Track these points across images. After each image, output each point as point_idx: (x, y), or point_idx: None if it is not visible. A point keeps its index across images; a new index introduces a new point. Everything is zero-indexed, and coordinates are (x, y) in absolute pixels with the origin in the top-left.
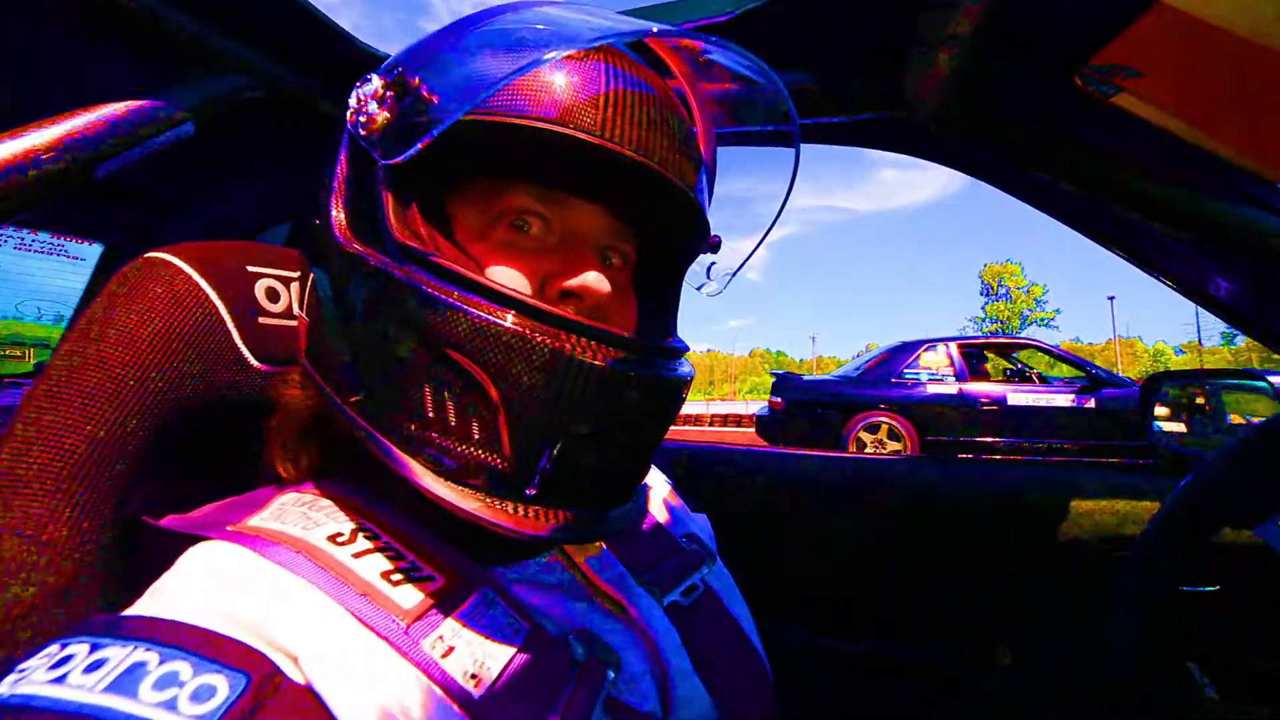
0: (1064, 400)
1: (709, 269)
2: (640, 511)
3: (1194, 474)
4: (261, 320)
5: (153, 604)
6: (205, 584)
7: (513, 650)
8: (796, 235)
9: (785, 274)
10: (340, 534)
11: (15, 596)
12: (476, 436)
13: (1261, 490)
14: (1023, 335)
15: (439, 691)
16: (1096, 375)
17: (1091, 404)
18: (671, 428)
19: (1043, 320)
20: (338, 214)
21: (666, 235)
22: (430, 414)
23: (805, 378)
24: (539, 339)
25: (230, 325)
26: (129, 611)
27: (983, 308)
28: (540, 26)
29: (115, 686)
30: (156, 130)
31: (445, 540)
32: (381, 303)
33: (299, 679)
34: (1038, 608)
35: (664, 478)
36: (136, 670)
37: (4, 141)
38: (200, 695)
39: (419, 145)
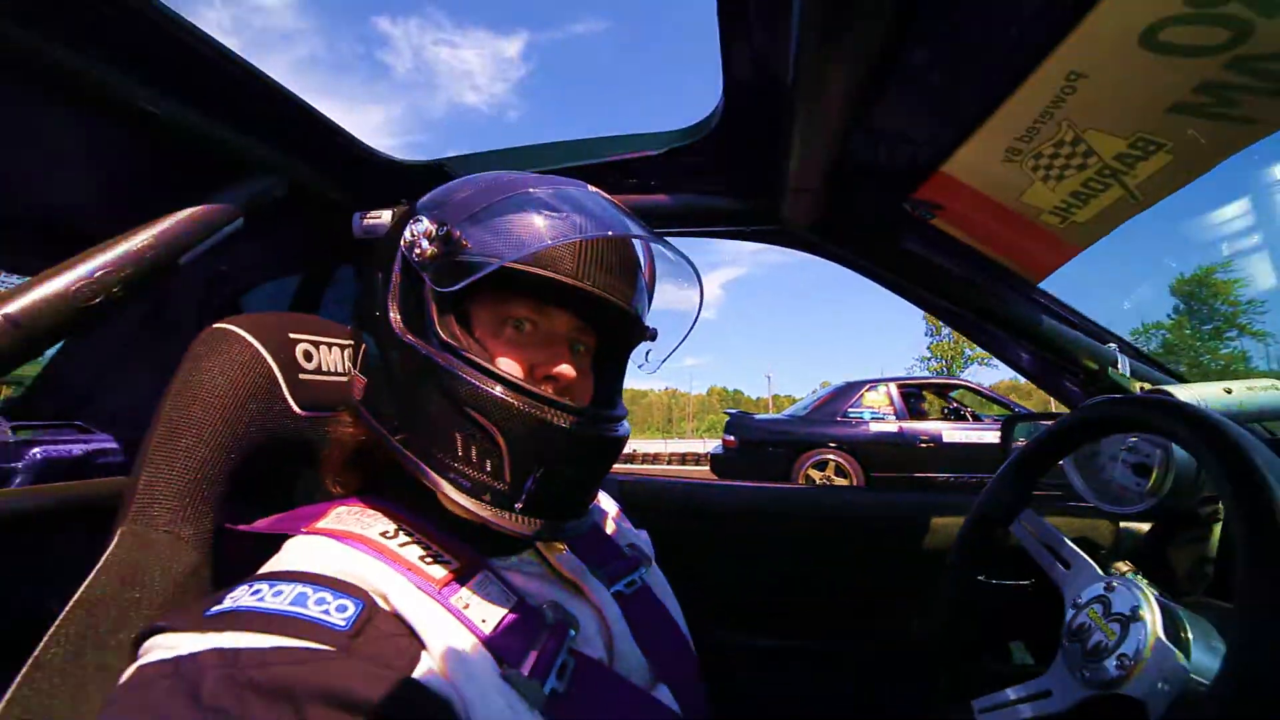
0: (993, 436)
1: (646, 353)
2: (590, 524)
3: (984, 489)
4: (301, 376)
5: (285, 568)
6: (316, 555)
7: (506, 610)
8: (748, 276)
9: (740, 313)
10: (387, 531)
11: (174, 573)
12: (487, 468)
13: (1012, 496)
14: (961, 375)
15: (464, 628)
16: (1019, 413)
17: None
18: (632, 467)
19: (982, 360)
20: (394, 314)
21: (616, 332)
22: (459, 452)
23: (757, 417)
24: (530, 410)
25: (281, 381)
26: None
27: (928, 347)
28: (551, 214)
29: (295, 602)
30: (217, 228)
31: (457, 538)
32: (428, 378)
33: (388, 609)
34: (911, 600)
35: (615, 502)
36: (303, 595)
37: (114, 246)
38: (341, 609)
39: (466, 282)
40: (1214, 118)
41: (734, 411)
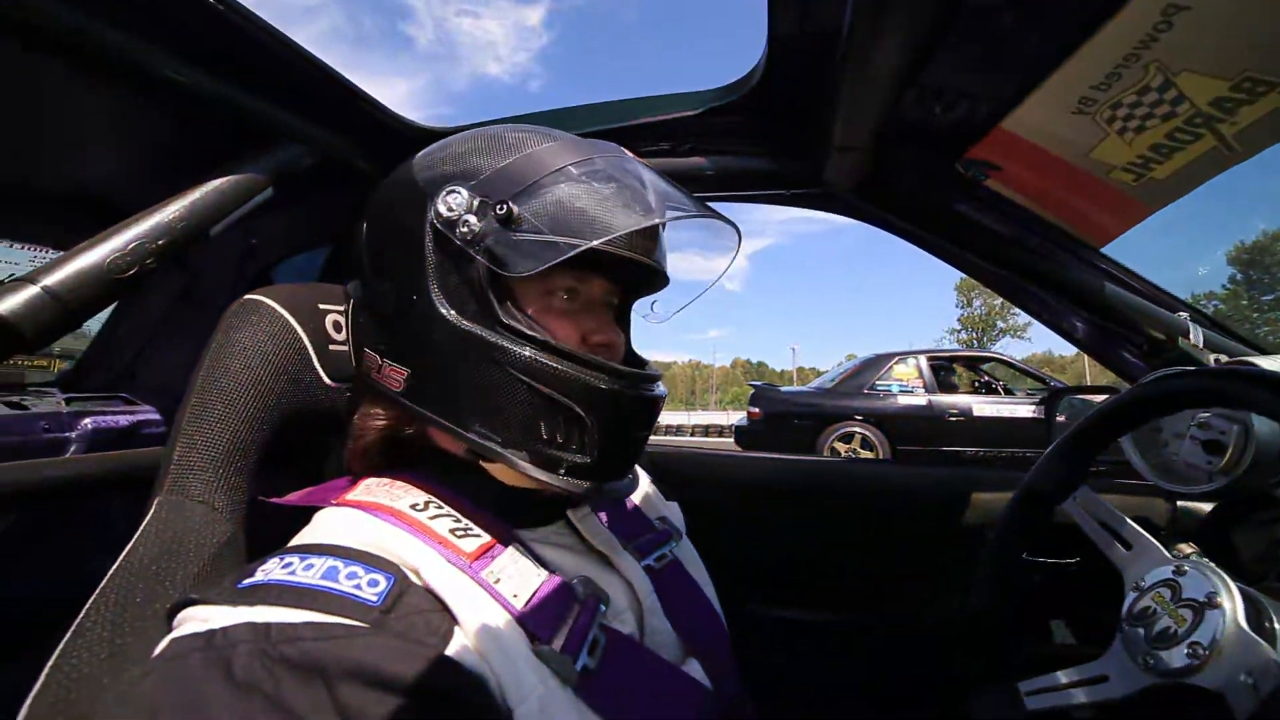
0: (1026, 411)
1: (652, 304)
2: (632, 487)
3: (1036, 464)
4: (332, 347)
5: (316, 541)
6: (346, 528)
7: (537, 584)
8: (775, 246)
9: (765, 284)
10: (417, 504)
11: (209, 544)
12: (557, 439)
13: (1066, 471)
14: (993, 348)
15: (496, 603)
16: (1055, 387)
17: None
18: (655, 438)
19: (1015, 332)
20: (441, 301)
21: (640, 287)
22: (534, 428)
23: (782, 389)
24: (594, 380)
25: (312, 353)
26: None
27: (958, 319)
28: (616, 189)
29: (325, 576)
30: (247, 197)
31: (489, 511)
32: (490, 362)
33: (419, 583)
34: (945, 575)
35: (645, 475)
36: (334, 569)
37: (150, 216)
38: (373, 584)
39: (547, 266)
40: None
41: (759, 383)
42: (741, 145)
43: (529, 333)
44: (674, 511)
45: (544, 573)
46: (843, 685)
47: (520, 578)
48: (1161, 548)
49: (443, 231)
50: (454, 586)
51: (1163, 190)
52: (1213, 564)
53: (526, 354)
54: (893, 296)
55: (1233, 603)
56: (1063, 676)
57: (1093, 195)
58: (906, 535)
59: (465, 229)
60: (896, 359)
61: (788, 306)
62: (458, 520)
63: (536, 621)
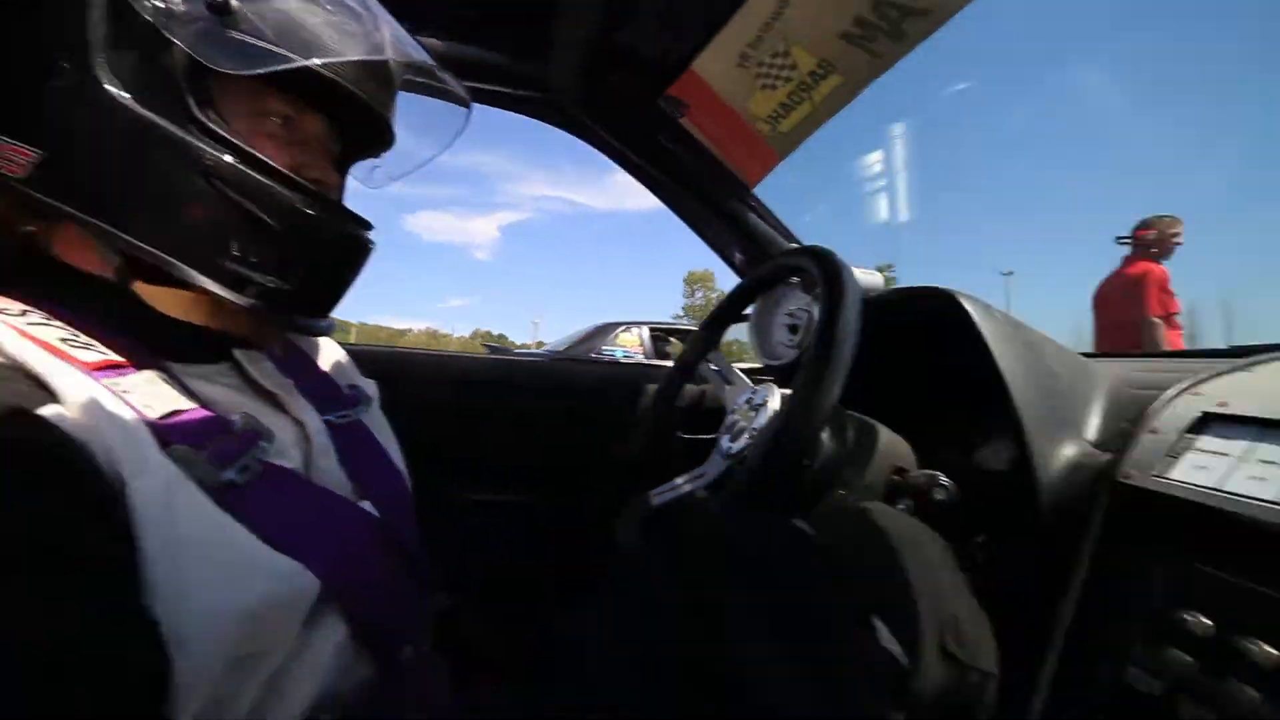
0: None
1: (373, 169)
2: (328, 329)
3: (685, 344)
4: None
5: None
6: None
7: (179, 408)
8: (529, 221)
9: (514, 257)
10: (8, 310)
11: None
12: (250, 259)
13: (704, 345)
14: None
15: (119, 401)
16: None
17: None
18: None
19: None
20: (105, 72)
21: (361, 141)
22: (233, 246)
23: (515, 351)
24: (310, 209)
25: None
26: None
27: (683, 307)
28: (353, 19)
29: None
30: None
31: (132, 336)
32: (182, 160)
33: (3, 360)
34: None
35: (343, 351)
36: None
37: None
38: None
39: (263, 71)
40: (863, 49)
41: (492, 345)
42: (474, 35)
43: (233, 140)
44: (369, 385)
45: (192, 403)
46: (528, 554)
47: (157, 398)
48: (750, 383)
49: (139, 9)
50: (56, 370)
51: (786, 142)
52: (774, 383)
53: (227, 160)
54: (633, 282)
55: (774, 400)
56: (678, 480)
57: (748, 140)
58: (594, 421)
59: (162, 2)
60: (622, 328)
61: (536, 282)
62: (74, 334)
63: (171, 431)
